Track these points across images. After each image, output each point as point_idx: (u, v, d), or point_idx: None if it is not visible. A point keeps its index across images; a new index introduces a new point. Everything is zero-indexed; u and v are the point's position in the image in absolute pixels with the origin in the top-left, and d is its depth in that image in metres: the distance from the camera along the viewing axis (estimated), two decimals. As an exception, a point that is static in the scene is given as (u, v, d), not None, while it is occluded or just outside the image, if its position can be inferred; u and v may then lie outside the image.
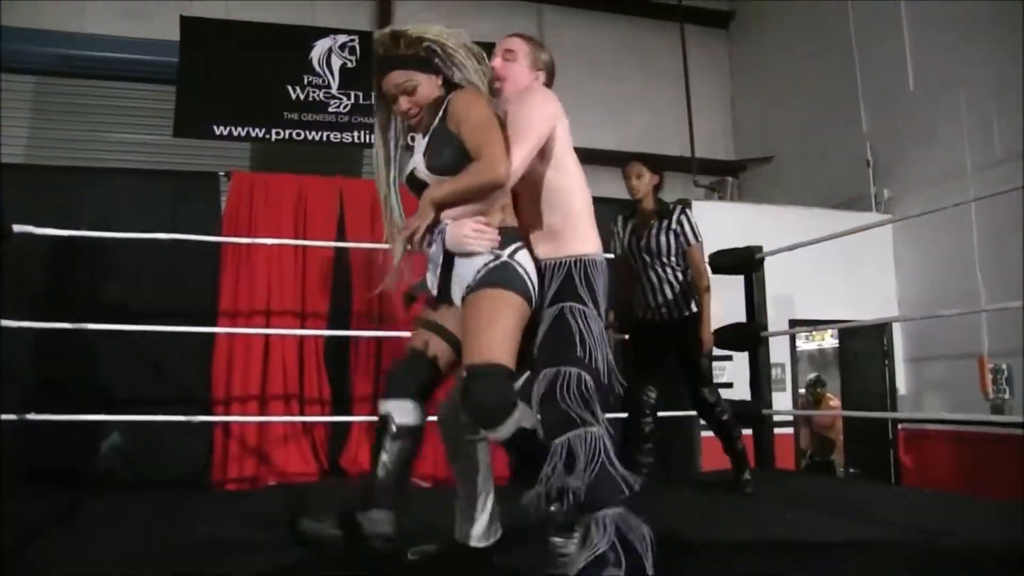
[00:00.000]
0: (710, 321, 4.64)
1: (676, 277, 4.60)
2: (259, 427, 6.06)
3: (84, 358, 5.92)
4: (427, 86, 2.73)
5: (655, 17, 10.10)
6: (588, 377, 2.48)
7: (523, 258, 2.63)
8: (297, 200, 6.39)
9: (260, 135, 6.78)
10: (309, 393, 6.21)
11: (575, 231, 2.72)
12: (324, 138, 6.89)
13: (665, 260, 4.58)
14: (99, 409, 5.18)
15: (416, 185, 2.74)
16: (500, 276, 2.56)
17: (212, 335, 6.06)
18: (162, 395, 5.86)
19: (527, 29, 9.55)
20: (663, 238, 4.60)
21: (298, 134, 6.85)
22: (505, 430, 2.43)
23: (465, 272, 2.60)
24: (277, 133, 6.81)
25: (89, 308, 5.29)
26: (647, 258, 4.62)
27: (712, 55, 10.54)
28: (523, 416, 2.46)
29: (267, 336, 6.09)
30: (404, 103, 2.73)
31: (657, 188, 4.77)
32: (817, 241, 5.06)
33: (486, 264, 2.57)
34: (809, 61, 9.09)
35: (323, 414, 6.18)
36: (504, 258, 2.59)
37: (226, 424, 6.01)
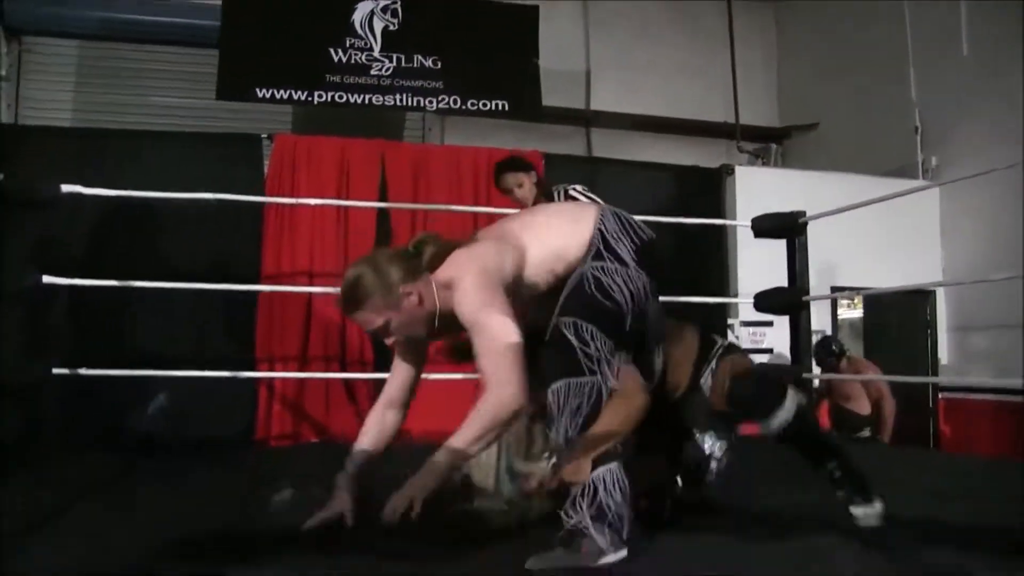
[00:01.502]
0: None
1: None
2: (301, 389, 6.13)
3: (128, 321, 6.03)
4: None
5: (701, -20, 9.99)
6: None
7: None
8: (339, 163, 6.44)
9: (302, 98, 6.76)
10: (351, 355, 6.27)
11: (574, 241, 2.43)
12: (366, 101, 6.87)
13: None
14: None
15: None
16: None
17: (255, 298, 6.13)
18: (205, 357, 5.93)
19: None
20: None
21: (340, 97, 6.83)
22: None
23: None
24: (319, 96, 6.80)
25: (133, 270, 5.32)
26: None
27: (759, 20, 10.37)
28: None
29: (309, 297, 6.14)
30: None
31: (538, 184, 4.60)
32: (861, 205, 4.97)
33: None
34: (857, 25, 8.92)
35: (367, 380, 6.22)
36: None
37: (270, 384, 6.09)
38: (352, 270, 2.34)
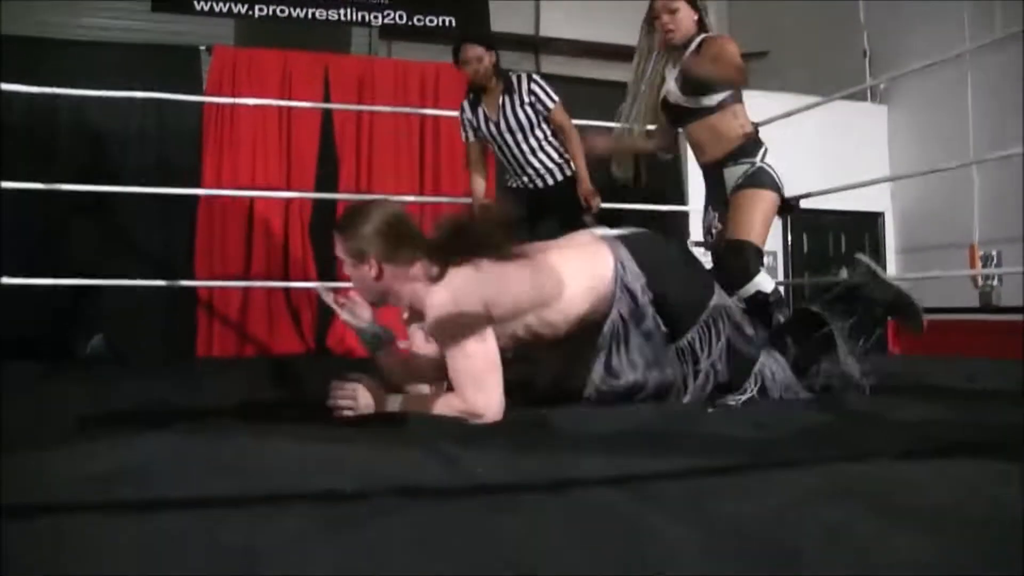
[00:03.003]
0: (588, 178, 4.32)
1: (549, 149, 4.38)
2: (243, 305, 6.01)
3: (67, 235, 5.86)
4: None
5: (650, -92, 9.81)
6: None
7: (771, 161, 3.29)
8: (281, 75, 6.27)
9: (242, 11, 6.56)
10: (294, 272, 6.13)
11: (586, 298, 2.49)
12: (309, 15, 6.68)
13: (532, 133, 4.33)
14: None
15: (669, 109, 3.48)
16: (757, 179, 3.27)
17: (194, 214, 5.98)
18: (144, 275, 5.76)
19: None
20: (520, 113, 4.33)
21: (282, 11, 6.64)
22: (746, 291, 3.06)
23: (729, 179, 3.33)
24: (260, 9, 6.60)
25: (68, 180, 5.14)
26: (512, 142, 4.35)
27: (708, -52, 10.26)
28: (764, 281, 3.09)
29: (251, 208, 6.00)
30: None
31: (496, 65, 4.37)
32: (808, 108, 4.94)
33: (745, 172, 3.27)
34: (807, -50, 8.88)
35: (309, 294, 6.11)
36: (758, 164, 3.29)
37: (210, 302, 5.96)
38: (368, 206, 2.42)
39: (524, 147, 4.34)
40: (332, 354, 5.99)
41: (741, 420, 2.19)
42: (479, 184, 4.54)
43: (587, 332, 2.49)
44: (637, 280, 2.49)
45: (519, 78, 4.37)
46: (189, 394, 2.92)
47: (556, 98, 4.36)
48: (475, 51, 4.27)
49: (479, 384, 2.20)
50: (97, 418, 2.18)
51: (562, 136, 4.36)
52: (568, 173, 4.37)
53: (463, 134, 4.52)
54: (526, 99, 4.31)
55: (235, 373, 4.13)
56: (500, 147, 4.39)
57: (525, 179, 4.39)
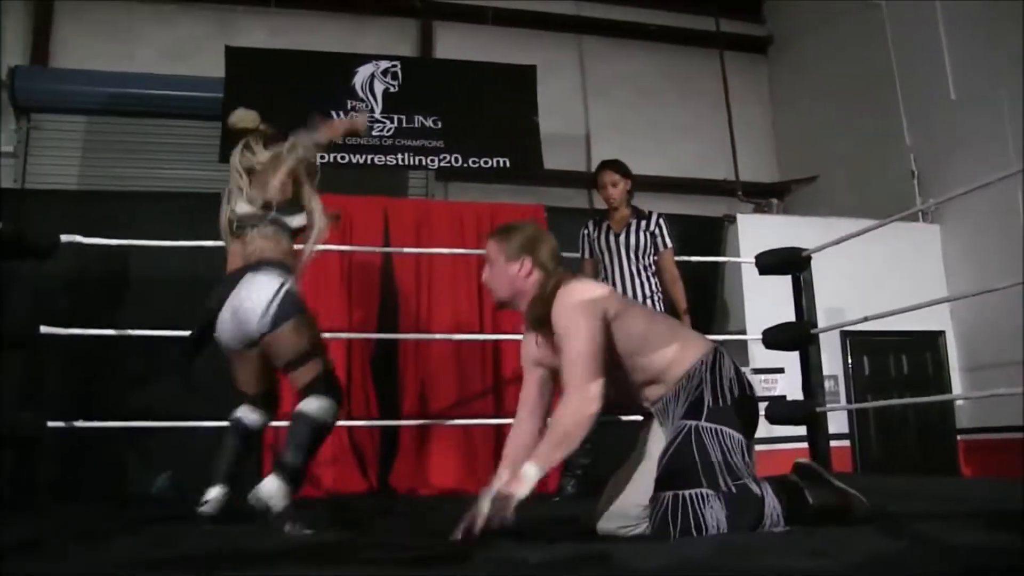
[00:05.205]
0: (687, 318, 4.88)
1: (650, 278, 4.95)
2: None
3: (127, 377, 6.02)
4: None
5: (695, 44, 10.13)
6: None
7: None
8: (343, 218, 6.45)
9: (305, 159, 6.85)
10: (357, 410, 6.20)
11: (678, 356, 2.67)
12: (368, 161, 6.97)
13: (642, 258, 4.91)
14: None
15: None
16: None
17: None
18: (204, 415, 5.86)
19: (569, 60, 9.78)
20: (641, 236, 4.95)
21: (343, 157, 6.93)
22: None
23: None
24: (321, 157, 6.82)
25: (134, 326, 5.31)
26: (623, 257, 4.94)
27: (753, 79, 10.52)
28: None
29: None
30: None
31: (630, 194, 5.11)
32: (862, 232, 4.94)
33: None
34: (848, 79, 9.05)
35: (371, 432, 6.17)
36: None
37: (276, 438, 6.01)
38: (525, 221, 3.08)
39: (629, 267, 4.92)
40: (396, 493, 6.00)
41: (793, 549, 2.14)
42: None
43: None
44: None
45: (650, 212, 5.07)
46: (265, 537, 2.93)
47: (671, 244, 5.01)
48: (612, 176, 5.02)
49: (590, 370, 2.49)
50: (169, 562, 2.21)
51: (665, 277, 4.99)
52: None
53: (580, 252, 5.12)
54: (652, 228, 4.98)
55: (304, 514, 4.14)
56: (610, 259, 4.95)
57: None
